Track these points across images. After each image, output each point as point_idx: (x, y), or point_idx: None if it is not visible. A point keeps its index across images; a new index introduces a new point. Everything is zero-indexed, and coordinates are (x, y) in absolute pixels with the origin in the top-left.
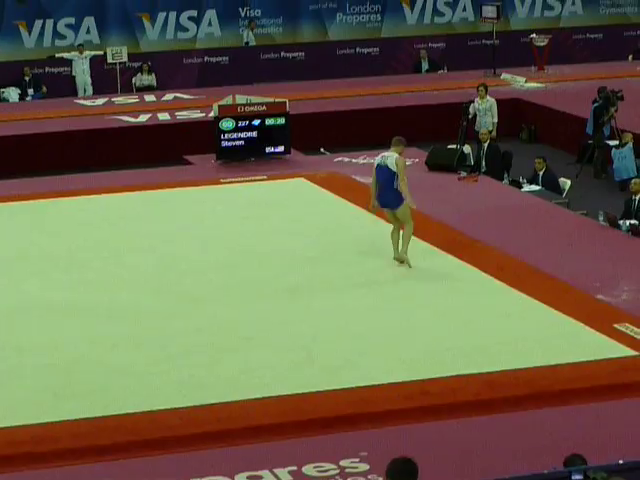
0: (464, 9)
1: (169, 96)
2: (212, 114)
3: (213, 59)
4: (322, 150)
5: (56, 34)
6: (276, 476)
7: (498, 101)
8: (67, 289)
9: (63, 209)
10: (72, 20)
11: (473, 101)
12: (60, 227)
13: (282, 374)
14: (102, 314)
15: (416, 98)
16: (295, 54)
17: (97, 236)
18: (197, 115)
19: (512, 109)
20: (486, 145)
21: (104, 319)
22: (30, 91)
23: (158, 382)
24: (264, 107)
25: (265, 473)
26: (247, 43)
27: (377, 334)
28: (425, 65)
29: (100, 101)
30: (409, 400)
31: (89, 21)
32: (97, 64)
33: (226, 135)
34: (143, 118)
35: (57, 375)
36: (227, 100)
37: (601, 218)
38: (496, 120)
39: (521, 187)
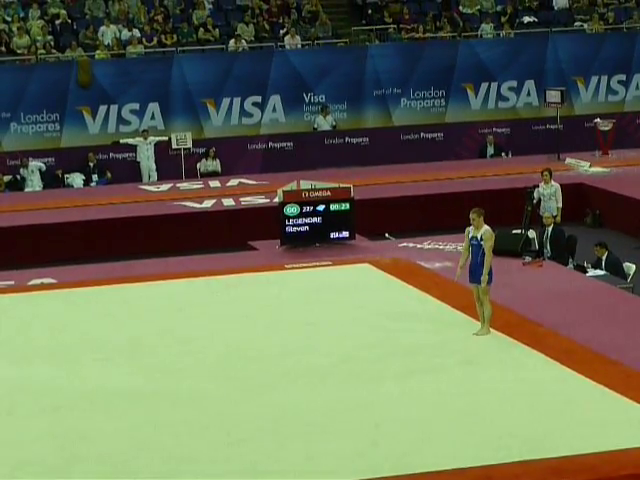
0: (528, 94)
1: (233, 182)
2: (277, 200)
3: (277, 144)
4: (387, 235)
5: (120, 120)
6: None
7: (562, 186)
8: (131, 376)
9: (128, 295)
10: (136, 106)
11: (537, 186)
12: (125, 313)
13: (347, 460)
14: (166, 400)
15: (480, 183)
16: (359, 139)
17: (162, 322)
18: (261, 201)
19: (576, 194)
20: (550, 229)
21: (168, 405)
22: (94, 177)
23: (222, 469)
24: (328, 193)
25: None
26: (315, 128)
27: (442, 419)
28: (490, 150)
29: (165, 187)
30: None
31: (154, 107)
32: (162, 150)
33: (291, 221)
34: (207, 204)
35: (120, 463)
36: (292, 186)
37: None
38: (560, 205)
39: (586, 272)
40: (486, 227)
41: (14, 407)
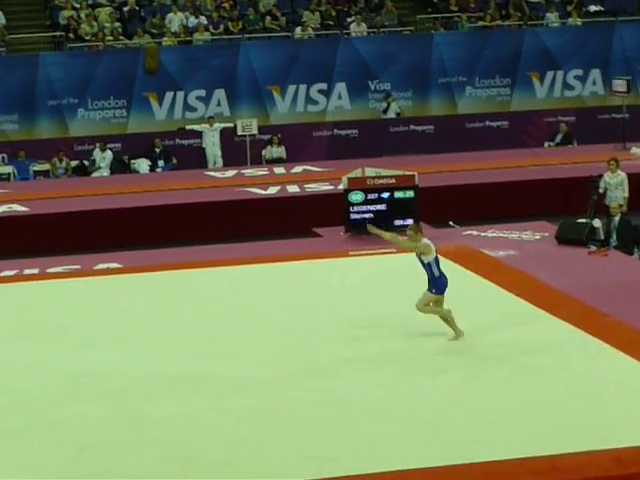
0: (594, 83)
1: (298, 168)
2: (341, 187)
3: (342, 132)
4: (451, 223)
5: (187, 106)
6: None
7: (629, 175)
8: (194, 361)
9: (192, 281)
10: (203, 92)
11: (602, 175)
12: (189, 299)
13: (409, 448)
14: (228, 386)
15: (545, 172)
16: (424, 127)
17: (225, 308)
18: (326, 188)
19: None
20: (617, 219)
21: (230, 391)
22: (160, 163)
23: (283, 455)
24: (393, 180)
25: None
26: (384, 111)
27: (505, 408)
28: (558, 138)
29: (230, 173)
30: (538, 476)
31: (220, 93)
32: (227, 136)
33: (355, 208)
34: (272, 190)
35: (183, 447)
36: (356, 173)
37: None
38: (627, 195)
39: None
40: (423, 241)
41: (78, 391)
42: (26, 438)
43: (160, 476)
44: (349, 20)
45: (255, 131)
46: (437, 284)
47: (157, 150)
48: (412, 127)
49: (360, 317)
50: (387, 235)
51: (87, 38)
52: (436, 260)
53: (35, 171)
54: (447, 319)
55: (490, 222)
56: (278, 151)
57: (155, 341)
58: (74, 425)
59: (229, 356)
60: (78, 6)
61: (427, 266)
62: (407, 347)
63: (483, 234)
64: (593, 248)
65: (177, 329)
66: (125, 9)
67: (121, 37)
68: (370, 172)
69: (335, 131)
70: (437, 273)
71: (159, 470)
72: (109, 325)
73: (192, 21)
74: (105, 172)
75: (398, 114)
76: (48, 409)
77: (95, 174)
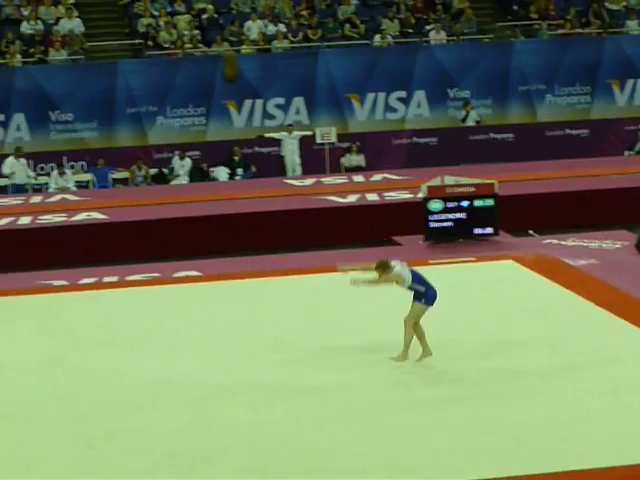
0: None
1: (378, 177)
2: (421, 195)
3: (421, 140)
4: (530, 232)
5: (266, 114)
6: None
7: None
8: (275, 369)
9: (272, 289)
10: (282, 100)
11: None
12: (269, 307)
13: (488, 458)
14: (308, 394)
15: (626, 180)
16: (504, 135)
17: (306, 316)
18: (405, 196)
19: None
20: None
21: (310, 398)
22: (239, 170)
23: (363, 463)
24: (473, 188)
25: None
26: (463, 120)
27: (585, 418)
28: (638, 147)
29: (309, 181)
30: None
31: (299, 101)
32: (306, 144)
33: (434, 216)
34: (352, 199)
35: (262, 455)
36: (436, 181)
37: None
38: None
39: None
40: (394, 272)
41: (158, 399)
42: (106, 445)
43: None
44: (428, 28)
45: (334, 139)
46: (426, 295)
47: (236, 158)
48: (491, 135)
49: (440, 325)
50: (360, 281)
51: (166, 46)
52: (415, 279)
53: (114, 179)
54: (421, 338)
55: (570, 231)
56: (357, 159)
57: (235, 349)
58: (153, 433)
59: (310, 364)
60: (157, 14)
61: (410, 289)
62: (487, 355)
63: (563, 243)
64: None
65: (257, 337)
66: (204, 17)
67: (200, 45)
68: (450, 180)
69: (414, 139)
70: (423, 289)
71: (237, 478)
72: (189, 333)
73: (271, 29)
74: (184, 180)
75: (477, 122)
76: (128, 416)
77: (174, 182)
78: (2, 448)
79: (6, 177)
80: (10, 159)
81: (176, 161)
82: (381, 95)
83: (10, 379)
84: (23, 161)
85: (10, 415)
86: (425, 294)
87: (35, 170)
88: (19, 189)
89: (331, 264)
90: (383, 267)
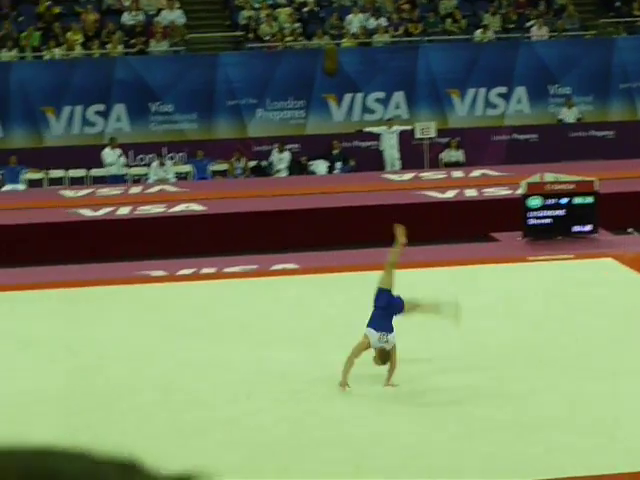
0: None
1: (477, 172)
2: (520, 191)
3: (521, 136)
4: (630, 230)
5: (365, 108)
6: None
7: None
8: (371, 363)
9: (369, 282)
10: (382, 94)
11: None
12: (367, 300)
13: (583, 456)
14: (405, 388)
15: None
16: (604, 132)
17: None
18: (504, 192)
19: None
20: None
21: (407, 393)
22: (338, 164)
23: (460, 458)
24: (572, 186)
25: None
26: (560, 120)
27: None
28: None
29: (407, 176)
30: None
31: (399, 96)
32: (405, 139)
33: (533, 213)
34: (450, 194)
35: (357, 448)
36: (535, 178)
37: None
38: None
39: None
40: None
41: (255, 390)
42: (202, 436)
43: (333, 476)
44: (530, 23)
45: (434, 134)
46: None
47: (335, 152)
48: (592, 132)
49: (541, 322)
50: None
51: (266, 38)
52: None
53: (213, 171)
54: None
55: None
56: (456, 155)
57: (333, 342)
58: (250, 424)
59: (408, 359)
60: (258, 6)
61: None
62: (583, 353)
63: None
64: None
65: (355, 330)
66: (305, 10)
67: (300, 38)
68: (549, 177)
69: (514, 135)
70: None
71: (332, 470)
72: (286, 325)
73: (372, 22)
74: (283, 173)
75: (579, 119)
76: (225, 407)
77: (274, 175)
78: (101, 438)
79: (105, 168)
80: (106, 150)
81: (275, 154)
82: (481, 91)
83: (108, 368)
84: (118, 151)
85: (108, 405)
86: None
87: (135, 161)
88: (116, 180)
89: (428, 259)
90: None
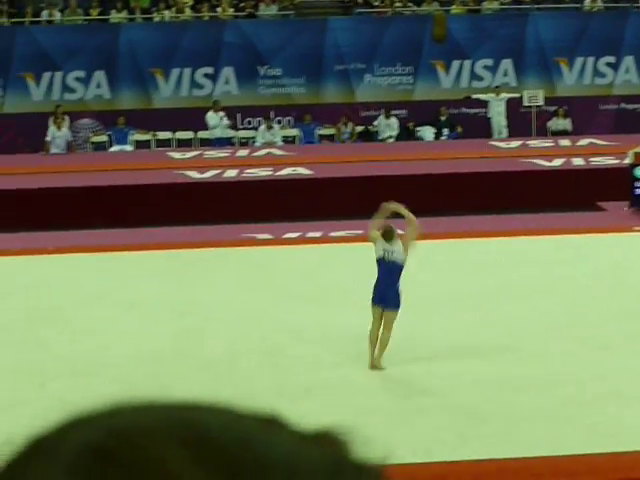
0: None
1: (584, 141)
2: (627, 161)
3: (630, 106)
4: None
5: (473, 75)
6: None
7: None
8: (475, 328)
9: (473, 249)
10: (490, 62)
11: None
12: (469, 267)
13: None
14: (508, 356)
15: None
16: None
17: (507, 278)
18: (611, 162)
19: None
20: None
21: (510, 361)
22: (445, 131)
23: (564, 428)
24: None
25: None
26: None
27: None
28: None
29: (514, 144)
30: None
31: (507, 63)
32: (513, 107)
33: None
34: (557, 162)
35: (463, 416)
36: None
37: None
38: None
39: None
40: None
41: (358, 355)
42: (307, 399)
43: (437, 443)
44: None
45: (541, 102)
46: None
47: (442, 118)
48: None
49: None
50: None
51: (376, 4)
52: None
53: (320, 135)
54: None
55: None
56: (564, 123)
57: (436, 309)
58: (354, 388)
59: (508, 325)
60: None
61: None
62: None
63: None
64: None
65: (458, 297)
66: None
67: (409, 4)
68: None
69: (622, 105)
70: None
71: (436, 437)
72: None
73: None
74: (391, 139)
75: None
76: (328, 371)
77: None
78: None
79: (208, 130)
80: (210, 113)
81: (382, 120)
82: (590, 60)
83: (214, 331)
84: (222, 114)
85: (213, 367)
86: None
87: (242, 124)
88: (223, 142)
89: (534, 227)
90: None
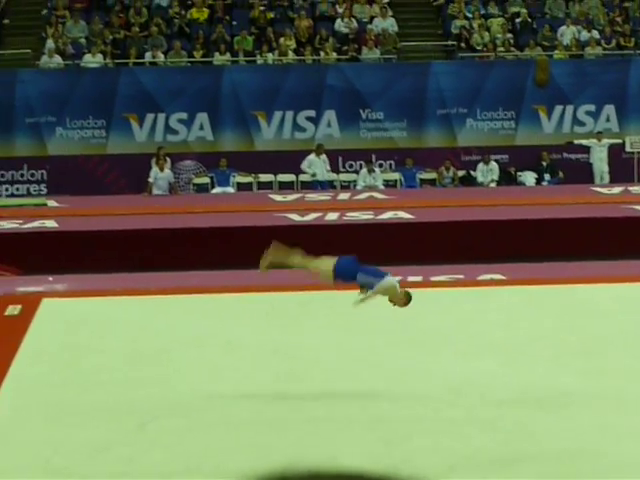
0: None
1: None
2: None
3: None
4: None
5: (575, 120)
6: None
7: None
8: (579, 376)
9: (580, 296)
10: (592, 107)
11: None
12: (576, 313)
13: None
14: (612, 404)
15: None
16: None
17: (617, 326)
18: None
19: None
20: None
21: (613, 409)
22: (547, 176)
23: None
24: None
25: None
26: None
27: None
28: None
29: (616, 189)
30: None
31: (609, 109)
32: (615, 152)
33: None
34: None
35: (563, 463)
36: None
37: None
38: None
39: None
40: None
41: (457, 400)
42: (406, 442)
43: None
44: None
45: None
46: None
47: (544, 163)
48: None
49: None
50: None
51: (478, 48)
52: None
53: (422, 179)
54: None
55: None
56: None
57: (540, 353)
58: (454, 433)
59: (615, 373)
60: (471, 16)
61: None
62: None
63: None
64: None
65: (564, 342)
66: (517, 20)
67: (512, 48)
68: None
69: None
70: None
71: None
72: (491, 335)
73: (584, 35)
74: (492, 184)
75: None
76: (428, 416)
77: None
78: (304, 443)
79: (307, 174)
80: (311, 156)
81: (481, 165)
82: None
83: (313, 374)
84: (323, 157)
85: (311, 410)
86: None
87: (343, 167)
88: (323, 185)
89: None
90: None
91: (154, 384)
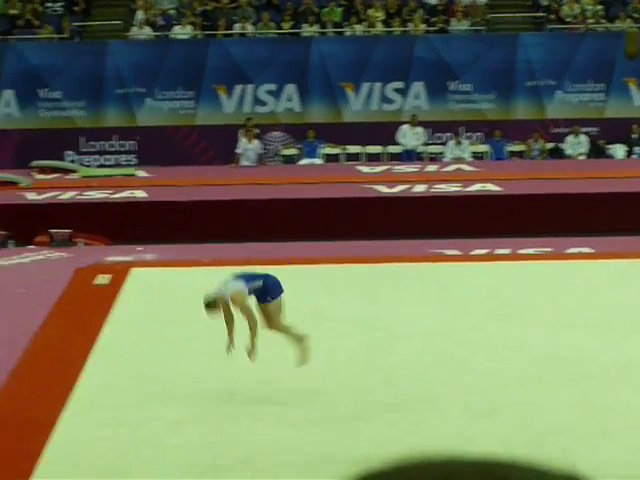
0: None
1: None
2: None
3: None
4: None
5: None
6: None
7: None
8: None
9: None
10: None
11: None
12: None
13: None
14: None
15: None
16: None
17: None
18: None
19: None
20: None
21: None
22: (636, 149)
23: None
24: None
25: None
26: None
27: None
28: None
29: None
30: None
31: None
32: None
33: None
34: None
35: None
36: None
37: None
38: None
39: None
40: (233, 295)
41: (543, 374)
42: (489, 417)
43: (621, 465)
44: None
45: None
46: (266, 291)
47: (634, 136)
48: None
49: None
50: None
51: (568, 20)
52: (250, 284)
53: (510, 151)
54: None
55: None
56: None
57: (629, 328)
58: (536, 409)
59: None
60: None
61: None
62: None
63: None
64: None
65: None
66: None
67: (602, 20)
68: None
69: None
70: (260, 284)
71: (621, 459)
72: (581, 309)
73: None
74: (582, 156)
75: None
76: (513, 390)
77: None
78: (389, 417)
79: (400, 145)
80: (405, 127)
81: (570, 138)
82: None
83: (397, 345)
84: (418, 129)
85: (395, 383)
86: (265, 289)
87: (432, 139)
88: (410, 157)
89: None
90: (213, 306)
91: (241, 355)
